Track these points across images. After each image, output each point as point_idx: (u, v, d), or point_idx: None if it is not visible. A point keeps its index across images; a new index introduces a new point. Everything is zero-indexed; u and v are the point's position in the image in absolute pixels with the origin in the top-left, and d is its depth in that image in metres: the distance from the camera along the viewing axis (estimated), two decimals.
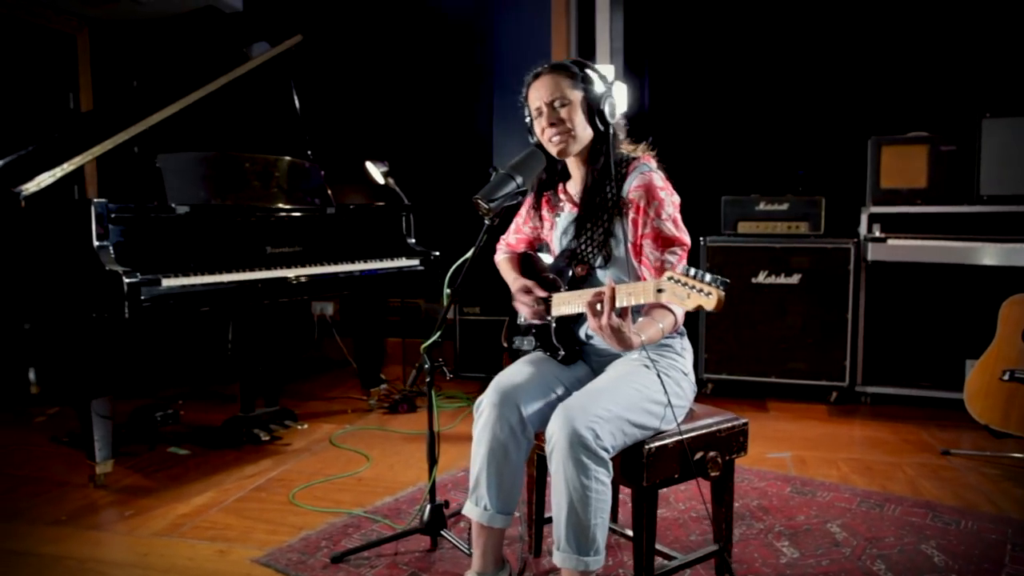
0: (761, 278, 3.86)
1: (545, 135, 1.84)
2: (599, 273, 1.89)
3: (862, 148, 3.78)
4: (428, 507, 2.21)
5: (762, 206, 3.95)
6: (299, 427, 3.36)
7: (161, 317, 2.76)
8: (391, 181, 4.29)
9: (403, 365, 4.29)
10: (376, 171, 4.31)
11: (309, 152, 3.72)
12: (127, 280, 2.42)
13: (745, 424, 1.94)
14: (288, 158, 3.40)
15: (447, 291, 2.10)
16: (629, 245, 1.83)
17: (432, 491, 2.20)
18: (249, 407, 3.29)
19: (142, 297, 2.45)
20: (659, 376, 1.74)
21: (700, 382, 3.94)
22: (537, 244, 2.21)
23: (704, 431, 1.84)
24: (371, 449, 3.17)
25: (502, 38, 4.57)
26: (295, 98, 3.70)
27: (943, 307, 3.84)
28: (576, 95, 1.82)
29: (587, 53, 4.56)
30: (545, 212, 2.06)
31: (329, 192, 3.48)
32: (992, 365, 2.89)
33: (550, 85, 1.82)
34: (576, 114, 1.82)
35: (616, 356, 1.90)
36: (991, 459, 2.96)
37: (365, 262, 3.35)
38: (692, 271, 1.44)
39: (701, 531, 2.33)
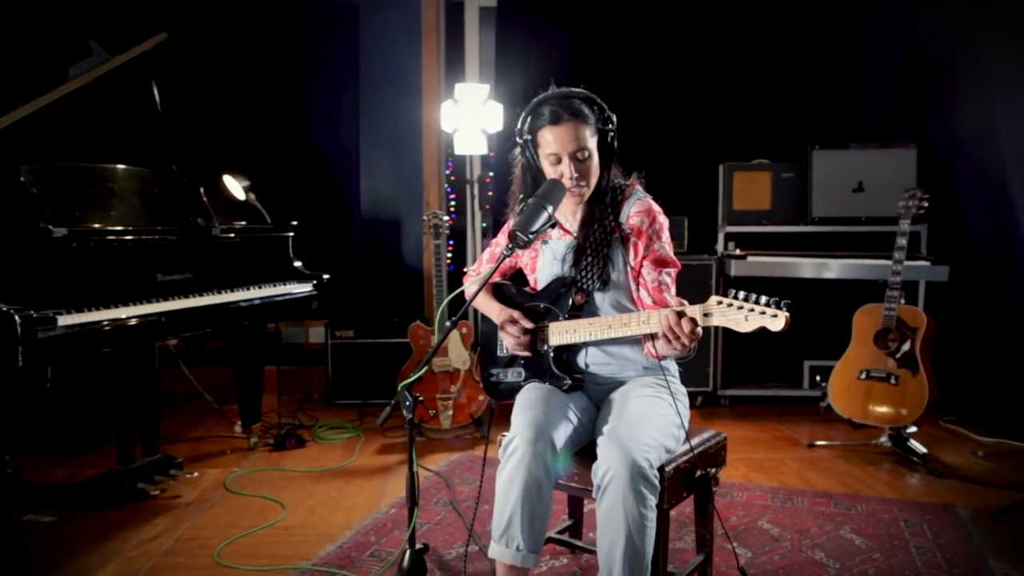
0: None
1: (564, 182, 1.84)
2: (597, 298, 1.92)
3: (717, 173, 4.19)
4: (408, 552, 2.08)
5: None
6: (187, 476, 2.99)
7: (55, 364, 2.32)
8: (252, 197, 3.98)
9: (278, 395, 3.97)
10: (236, 186, 3.98)
11: (174, 166, 3.35)
12: (19, 318, 2.01)
13: (724, 439, 2.08)
14: (169, 171, 3.03)
15: (446, 323, 1.99)
16: (629, 269, 1.88)
17: (412, 536, 2.08)
18: (128, 458, 2.87)
19: (39, 337, 2.05)
20: (674, 400, 1.82)
21: None
22: (511, 273, 2.19)
23: (702, 448, 1.95)
24: (279, 493, 2.91)
25: (368, 50, 4.43)
26: (157, 104, 3.30)
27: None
28: (594, 142, 1.86)
29: (457, 67, 4.57)
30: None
31: (211, 210, 3.14)
32: (850, 366, 3.34)
33: (573, 135, 1.83)
34: (594, 161, 1.86)
35: (616, 383, 1.94)
36: (849, 448, 3.42)
37: (260, 288, 3.08)
38: (743, 295, 1.54)
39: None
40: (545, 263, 2.01)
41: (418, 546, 2.08)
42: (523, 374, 2.03)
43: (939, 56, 4.09)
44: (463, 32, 4.54)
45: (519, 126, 1.93)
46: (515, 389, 2.05)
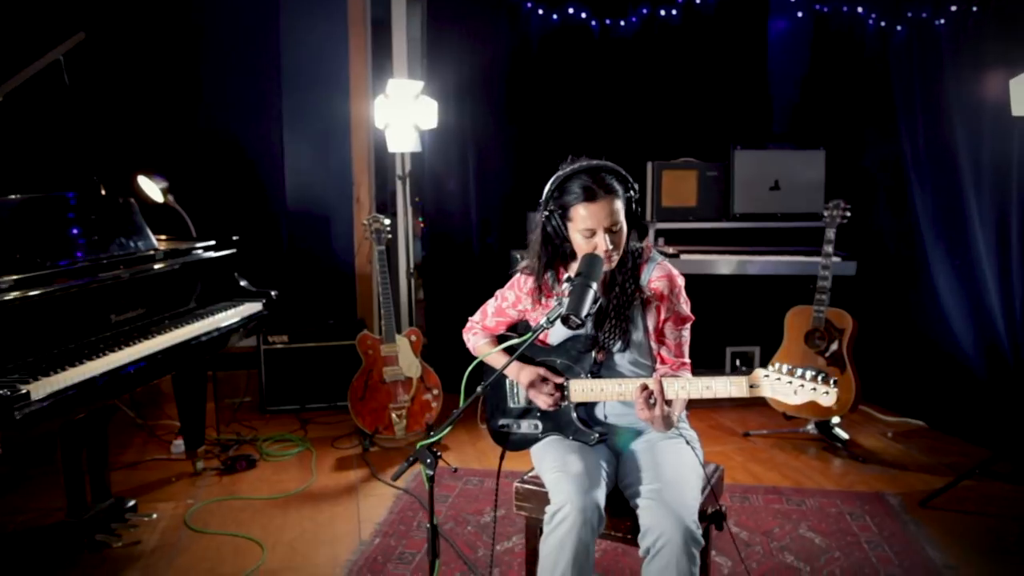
0: None
1: (598, 252, 1.86)
2: (617, 357, 1.99)
3: (646, 171, 4.32)
4: None
5: None
6: (144, 518, 2.81)
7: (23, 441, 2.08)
8: (171, 199, 3.72)
9: (215, 401, 3.75)
10: (153, 187, 3.71)
11: (95, 177, 3.06)
12: None
13: (723, 470, 2.23)
14: (102, 191, 2.77)
15: (477, 389, 1.98)
16: (651, 330, 1.96)
17: None
18: (80, 507, 2.66)
19: (17, 418, 1.85)
20: (692, 448, 1.94)
21: None
22: (511, 325, 2.21)
23: (714, 483, 2.08)
24: (248, 528, 2.81)
25: (290, 41, 4.15)
26: (76, 109, 2.98)
27: (709, 307, 4.61)
28: (623, 213, 1.88)
29: (384, 61, 4.40)
30: (542, 298, 2.06)
31: (149, 231, 2.90)
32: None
33: (608, 211, 1.85)
34: (624, 232, 1.90)
35: (635, 433, 2.02)
36: (781, 436, 3.73)
37: (214, 314, 2.90)
38: (787, 368, 1.65)
39: None
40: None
41: None
42: (540, 427, 2.06)
43: (840, 60, 4.39)
44: (391, 23, 4.35)
45: (544, 198, 1.93)
46: (528, 440, 2.09)
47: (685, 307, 1.99)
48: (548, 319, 1.80)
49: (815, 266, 3.76)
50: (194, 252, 2.97)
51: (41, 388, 1.96)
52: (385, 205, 4.78)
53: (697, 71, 4.58)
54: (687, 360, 1.99)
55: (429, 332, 4.41)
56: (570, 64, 4.49)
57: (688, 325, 1.99)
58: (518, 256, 4.15)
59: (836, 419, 3.63)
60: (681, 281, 2.00)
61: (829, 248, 3.51)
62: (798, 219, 4.30)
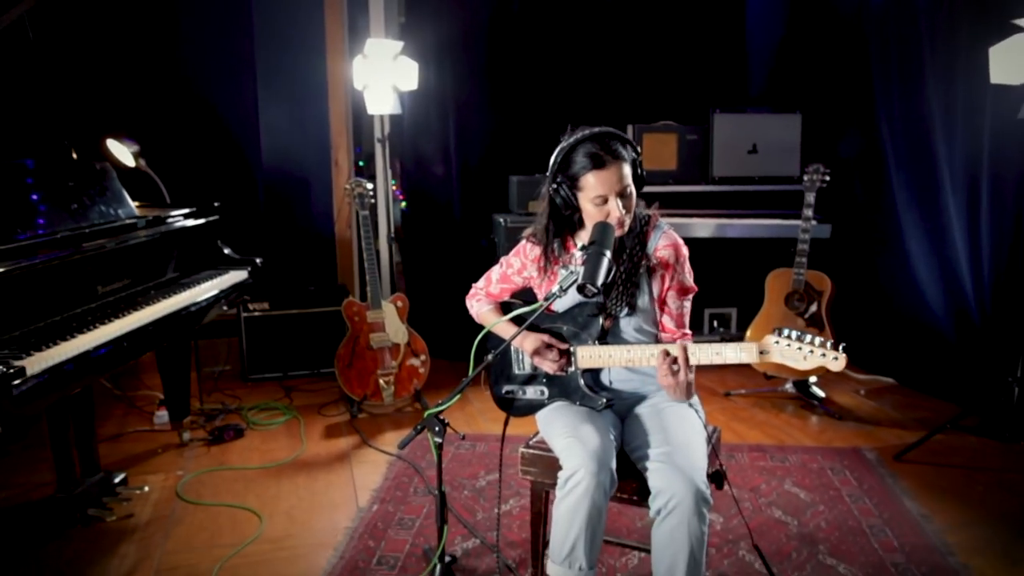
0: None
1: (611, 219, 1.87)
2: (622, 323, 2.01)
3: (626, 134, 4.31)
4: (439, 567, 2.14)
5: None
6: (136, 491, 2.78)
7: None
8: (143, 163, 3.62)
9: (197, 371, 3.69)
10: (124, 151, 3.60)
11: (66, 141, 2.95)
12: None
13: (720, 430, 2.29)
14: (73, 156, 2.67)
15: (486, 357, 1.98)
16: (655, 297, 1.99)
17: (442, 553, 2.13)
18: (70, 482, 2.62)
19: (15, 394, 1.81)
20: (696, 411, 1.99)
21: None
22: (516, 292, 2.22)
23: (715, 444, 2.14)
24: (243, 498, 2.81)
25: (264, 2, 4.01)
26: (40, 68, 2.86)
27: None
28: (631, 177, 1.89)
29: (361, 21, 4.28)
30: (548, 266, 2.07)
31: (128, 198, 2.82)
32: (764, 325, 3.71)
33: (619, 177, 1.87)
34: (634, 196, 1.90)
35: (639, 398, 2.06)
36: (761, 395, 3.84)
37: (202, 283, 2.84)
38: (796, 334, 1.70)
39: None
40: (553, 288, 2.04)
41: (447, 559, 2.15)
42: (546, 392, 2.09)
43: (816, 24, 4.42)
44: None
45: (552, 169, 1.94)
46: (534, 406, 2.12)
47: (689, 277, 2.02)
48: (561, 287, 1.81)
49: (792, 229, 3.84)
50: (177, 220, 2.89)
51: (36, 363, 1.91)
52: (361, 169, 4.70)
53: (677, 33, 4.57)
54: (688, 331, 2.02)
55: (409, 297, 4.39)
56: (551, 25, 4.43)
57: (691, 296, 2.02)
58: (501, 221, 4.14)
59: (813, 378, 3.74)
60: (686, 251, 2.02)
61: (809, 212, 3.57)
62: (775, 182, 4.36)
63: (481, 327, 2.08)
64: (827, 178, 3.59)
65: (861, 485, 2.87)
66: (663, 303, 2.00)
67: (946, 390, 3.73)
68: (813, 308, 3.60)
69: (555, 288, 1.83)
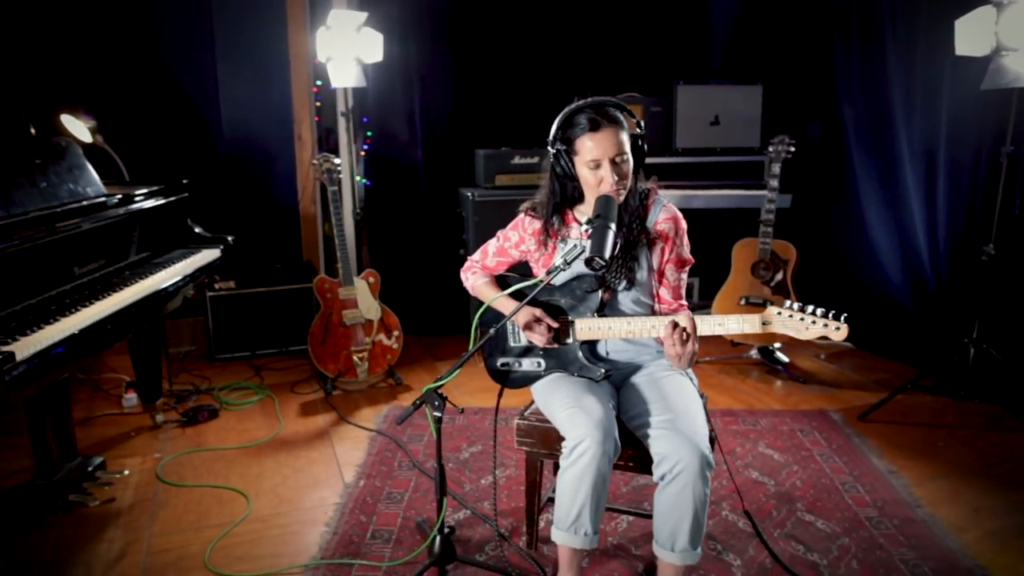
0: None
1: (603, 186, 1.90)
2: (620, 296, 2.05)
3: None
4: (439, 538, 2.17)
5: (516, 159, 4.27)
6: (116, 475, 2.72)
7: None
8: (100, 139, 3.50)
9: (165, 352, 3.60)
10: (80, 127, 3.48)
11: (24, 117, 2.82)
12: None
13: (707, 396, 2.36)
14: (32, 132, 2.56)
15: (491, 331, 1.99)
16: (654, 270, 2.03)
17: (442, 525, 2.16)
18: (49, 468, 2.54)
19: (6, 379, 1.75)
20: (691, 379, 2.05)
21: (470, 326, 4.26)
22: (513, 265, 2.23)
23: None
24: (227, 479, 2.78)
25: None
26: None
27: None
28: (628, 146, 1.91)
29: None
30: (548, 239, 2.09)
31: (96, 175, 2.72)
32: (731, 294, 3.81)
33: (614, 141, 1.88)
34: (630, 164, 1.92)
35: (634, 368, 2.11)
36: (726, 361, 3.95)
37: (175, 262, 2.77)
38: (797, 306, 1.76)
39: None
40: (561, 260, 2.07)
41: (446, 530, 2.18)
42: (543, 364, 2.12)
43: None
44: None
45: (552, 136, 1.95)
46: (529, 378, 2.15)
47: (686, 250, 2.07)
48: (565, 260, 1.83)
49: (754, 199, 3.95)
50: (148, 198, 2.80)
51: (25, 348, 1.85)
52: (321, 143, 4.61)
53: (641, 4, 4.59)
54: (684, 302, 2.07)
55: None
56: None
57: (687, 268, 2.07)
58: (469, 195, 4.13)
59: (777, 343, 3.87)
60: (685, 224, 2.07)
61: (774, 182, 3.67)
62: (737, 153, 4.46)
63: (473, 299, 2.09)
64: (792, 149, 3.68)
65: (830, 445, 3.01)
66: (661, 275, 2.04)
67: (902, 352, 3.91)
68: (779, 276, 3.72)
69: (558, 261, 1.85)
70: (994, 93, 3.02)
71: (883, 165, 3.95)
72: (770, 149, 3.72)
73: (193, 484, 2.74)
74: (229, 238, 3.12)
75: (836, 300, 4.30)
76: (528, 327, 2.03)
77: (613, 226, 1.82)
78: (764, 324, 1.80)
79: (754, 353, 3.93)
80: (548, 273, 1.88)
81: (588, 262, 1.78)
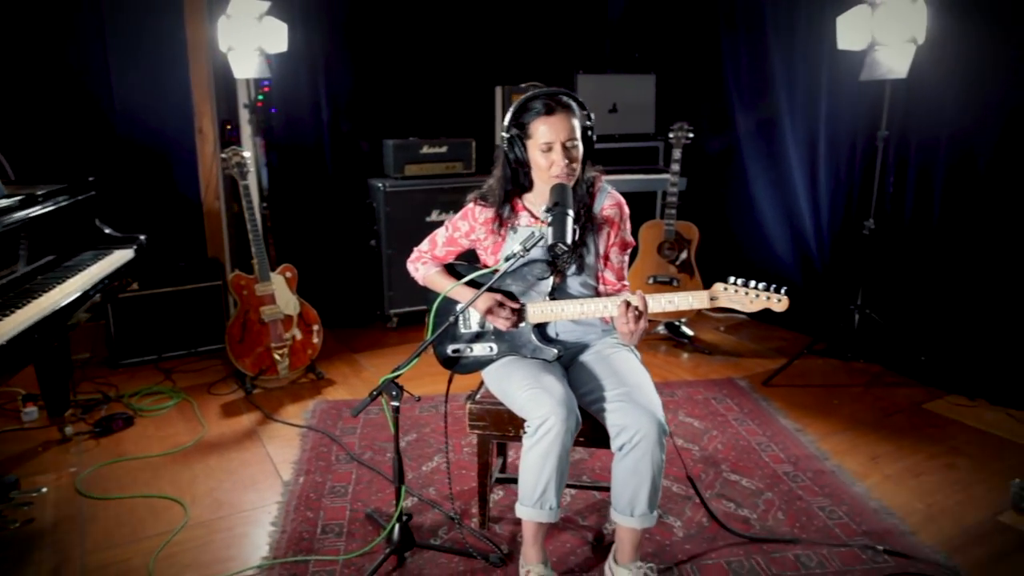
0: (434, 216, 4.26)
1: (554, 169, 1.97)
2: (570, 280, 2.15)
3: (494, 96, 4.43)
4: (398, 526, 2.20)
5: (425, 149, 4.28)
6: (32, 494, 2.54)
7: None
8: None
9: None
10: None
11: None
12: None
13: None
14: None
15: (451, 318, 2.02)
16: (600, 254, 2.14)
17: (400, 513, 2.19)
18: None
19: None
20: (636, 355, 2.18)
21: (386, 317, 4.27)
22: (461, 254, 2.27)
23: None
24: (155, 486, 2.67)
25: None
26: None
27: None
28: (579, 132, 1.99)
29: None
30: (500, 228, 2.15)
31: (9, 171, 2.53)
32: (639, 273, 4.01)
33: (567, 126, 1.95)
34: (580, 151, 2.00)
35: (582, 347, 2.22)
36: (651, 336, 4.16)
37: (89, 265, 2.61)
38: (740, 281, 1.90)
39: None
40: (511, 248, 2.13)
41: (404, 517, 2.22)
42: (495, 349, 2.18)
43: None
44: None
45: (507, 121, 2.00)
46: (481, 363, 2.21)
47: (629, 235, 2.19)
48: (525, 247, 1.90)
49: (653, 183, 4.17)
50: (52, 198, 2.62)
51: None
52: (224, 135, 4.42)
53: None
54: (627, 283, 2.20)
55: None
56: None
57: (629, 250, 2.19)
58: (380, 185, 4.12)
59: (684, 318, 4.12)
60: (627, 210, 2.18)
61: (676, 167, 3.89)
62: (634, 140, 4.67)
63: (390, 291, 2.11)
64: (691, 135, 3.91)
65: (742, 410, 3.25)
66: (607, 259, 2.15)
67: (794, 322, 4.26)
68: (683, 255, 3.95)
69: (517, 248, 1.91)
70: (870, 83, 3.34)
71: (770, 150, 4.27)
72: (670, 135, 3.93)
73: (121, 496, 2.61)
74: (142, 237, 2.97)
75: (726, 269, 4.61)
76: (490, 311, 2.09)
77: (571, 212, 1.90)
78: (712, 299, 1.93)
79: (661, 329, 4.15)
80: (507, 260, 1.95)
81: (551, 248, 1.86)
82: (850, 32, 3.20)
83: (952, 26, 3.20)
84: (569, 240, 1.86)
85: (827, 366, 3.73)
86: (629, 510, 1.98)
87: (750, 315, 4.46)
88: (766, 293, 1.87)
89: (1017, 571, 2.19)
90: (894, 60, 3.16)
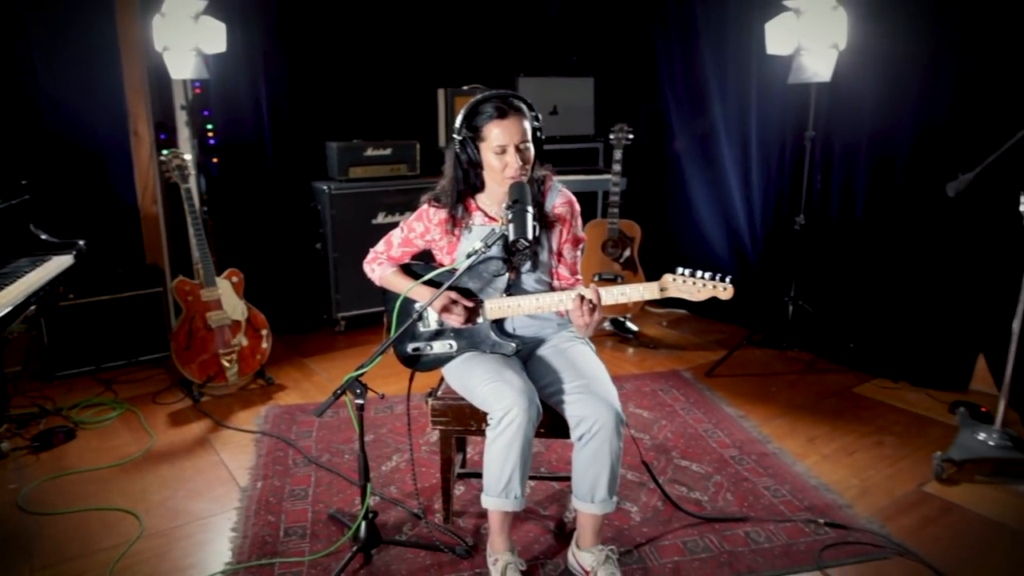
0: (380, 219, 4.27)
1: (508, 171, 2.03)
2: (524, 276, 2.21)
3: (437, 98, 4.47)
4: (364, 523, 2.21)
5: (369, 151, 4.29)
6: None
7: None
8: None
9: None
10: None
11: None
12: None
13: None
14: None
15: (414, 315, 2.05)
16: (553, 251, 2.21)
17: (366, 511, 2.21)
18: None
19: None
20: (592, 348, 2.26)
21: (334, 321, 4.25)
22: (417, 254, 2.31)
23: None
24: (105, 499, 2.60)
25: None
26: None
27: None
28: (530, 133, 2.05)
29: None
30: (454, 228, 2.19)
31: None
32: (585, 271, 4.10)
33: (519, 128, 2.01)
34: (532, 152, 2.06)
35: (538, 341, 2.28)
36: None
37: (26, 273, 2.53)
38: (688, 271, 1.99)
39: None
40: (467, 247, 2.18)
41: (370, 515, 2.24)
42: (454, 346, 2.23)
43: None
44: None
45: (458, 124, 2.05)
46: (442, 360, 2.25)
47: (581, 231, 2.27)
48: (486, 244, 1.95)
49: (594, 183, 4.28)
50: None
51: None
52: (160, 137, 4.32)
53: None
54: (580, 277, 2.27)
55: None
56: None
57: (582, 245, 2.27)
58: (324, 188, 4.10)
59: (629, 314, 4.24)
60: (578, 207, 2.26)
61: (618, 167, 4.00)
62: (575, 141, 4.78)
63: (337, 294, 2.12)
64: (631, 136, 4.03)
65: (688, 400, 3.38)
66: (560, 255, 2.22)
67: (732, 315, 4.43)
68: (627, 253, 4.07)
69: (478, 245, 1.96)
70: (797, 86, 3.52)
71: (705, 150, 4.44)
72: (611, 137, 4.05)
73: (67, 511, 2.54)
74: (81, 242, 2.89)
75: (662, 263, 4.78)
76: (446, 310, 2.13)
77: (531, 209, 1.96)
78: (662, 290, 2.02)
79: (607, 325, 4.27)
80: (468, 256, 1.99)
81: (513, 244, 1.92)
82: (777, 37, 3.37)
83: (870, 32, 3.41)
84: (530, 235, 1.92)
85: (764, 356, 3.90)
86: (590, 497, 2.05)
87: (693, 308, 4.62)
88: (712, 282, 1.96)
89: (943, 534, 2.37)
90: (818, 64, 3.34)
